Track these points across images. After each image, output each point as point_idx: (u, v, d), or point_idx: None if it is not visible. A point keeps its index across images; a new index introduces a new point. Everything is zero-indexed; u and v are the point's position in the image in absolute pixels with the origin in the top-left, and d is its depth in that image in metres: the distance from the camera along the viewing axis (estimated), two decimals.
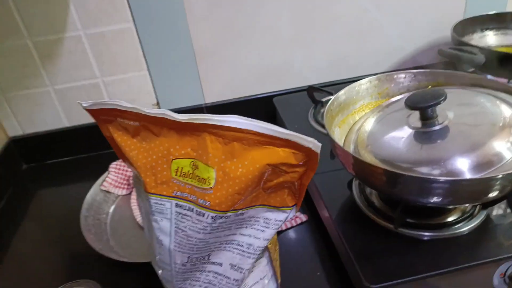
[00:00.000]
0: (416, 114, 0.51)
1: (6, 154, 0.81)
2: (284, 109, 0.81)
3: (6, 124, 0.82)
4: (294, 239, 0.61)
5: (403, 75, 0.60)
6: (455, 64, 0.76)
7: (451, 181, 0.42)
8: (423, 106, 0.48)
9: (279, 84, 0.89)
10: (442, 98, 0.47)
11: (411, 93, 0.53)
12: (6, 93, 0.79)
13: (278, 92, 0.89)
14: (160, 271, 0.45)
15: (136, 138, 0.41)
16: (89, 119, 0.76)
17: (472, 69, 0.73)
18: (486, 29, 0.80)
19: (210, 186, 0.38)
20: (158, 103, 0.85)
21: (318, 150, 0.34)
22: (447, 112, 0.50)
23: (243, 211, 0.39)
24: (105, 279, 0.57)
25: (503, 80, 0.70)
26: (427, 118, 0.49)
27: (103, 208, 0.69)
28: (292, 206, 0.40)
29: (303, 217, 0.63)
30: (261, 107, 0.89)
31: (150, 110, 0.39)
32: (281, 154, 0.36)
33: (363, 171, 0.48)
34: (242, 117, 0.36)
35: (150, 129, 0.40)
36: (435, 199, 0.44)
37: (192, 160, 0.39)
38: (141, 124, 0.40)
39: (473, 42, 0.79)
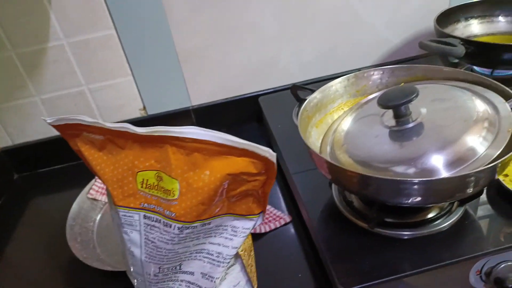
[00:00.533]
0: (390, 112, 0.50)
1: None
2: (269, 108, 0.81)
3: None
4: (278, 240, 0.61)
5: (380, 71, 0.59)
6: (441, 56, 0.75)
7: (421, 181, 0.42)
8: (395, 104, 0.47)
9: (266, 82, 0.88)
10: (414, 95, 0.47)
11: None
12: None
13: (266, 91, 0.89)
14: (135, 281, 0.45)
15: (103, 151, 0.41)
16: None
17: (457, 60, 0.72)
18: (471, 17, 0.78)
19: (175, 197, 0.38)
20: (144, 108, 0.86)
21: (274, 160, 0.34)
22: (421, 109, 0.49)
23: (210, 221, 0.39)
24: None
25: (487, 71, 0.69)
26: (400, 116, 0.49)
27: (90, 216, 0.70)
28: (258, 213, 0.40)
29: (287, 218, 0.63)
30: (249, 107, 0.89)
31: (112, 124, 0.39)
32: (241, 164, 0.36)
33: (336, 174, 0.48)
34: (200, 128, 0.36)
35: (115, 142, 0.40)
36: (407, 200, 0.44)
37: (156, 171, 0.39)
38: (106, 138, 0.41)
39: (457, 32, 0.77)
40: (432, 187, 0.43)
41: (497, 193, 0.53)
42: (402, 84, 0.57)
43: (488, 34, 0.77)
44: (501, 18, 0.78)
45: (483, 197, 0.53)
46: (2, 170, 0.84)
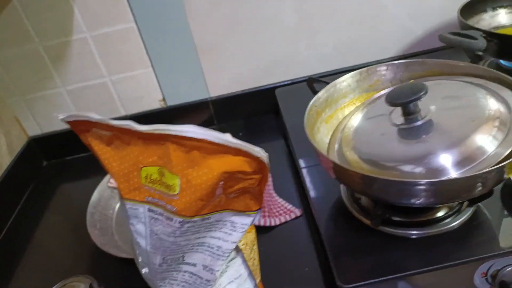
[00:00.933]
0: (399, 109, 0.49)
1: (27, 152, 0.87)
2: (285, 100, 0.81)
3: (26, 125, 0.88)
4: (288, 233, 0.62)
5: (394, 66, 0.58)
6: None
7: (425, 183, 0.41)
8: (402, 102, 0.46)
9: (285, 74, 0.88)
10: (423, 93, 0.45)
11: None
12: (24, 96, 0.85)
13: (284, 83, 0.88)
14: (142, 270, 0.47)
15: (110, 146, 0.43)
16: None
17: (481, 53, 0.69)
18: (499, 7, 0.74)
19: (176, 192, 0.40)
20: (164, 99, 0.88)
21: (266, 160, 0.35)
22: (430, 106, 0.48)
23: (209, 216, 0.41)
24: (108, 274, 0.60)
25: None
26: (409, 113, 0.48)
27: (110, 204, 0.73)
28: (256, 210, 0.41)
29: (298, 212, 0.64)
30: (266, 98, 0.89)
31: (116, 121, 0.41)
32: (236, 162, 0.37)
33: (339, 173, 0.48)
34: (198, 127, 0.37)
35: (121, 139, 0.42)
36: (411, 200, 0.43)
37: (159, 167, 0.41)
38: (113, 134, 0.42)
39: (483, 23, 0.74)
40: (436, 188, 0.42)
41: (510, 194, 0.51)
42: (411, 81, 0.55)
43: None
44: None
45: (496, 197, 0.51)
46: (32, 157, 0.89)
